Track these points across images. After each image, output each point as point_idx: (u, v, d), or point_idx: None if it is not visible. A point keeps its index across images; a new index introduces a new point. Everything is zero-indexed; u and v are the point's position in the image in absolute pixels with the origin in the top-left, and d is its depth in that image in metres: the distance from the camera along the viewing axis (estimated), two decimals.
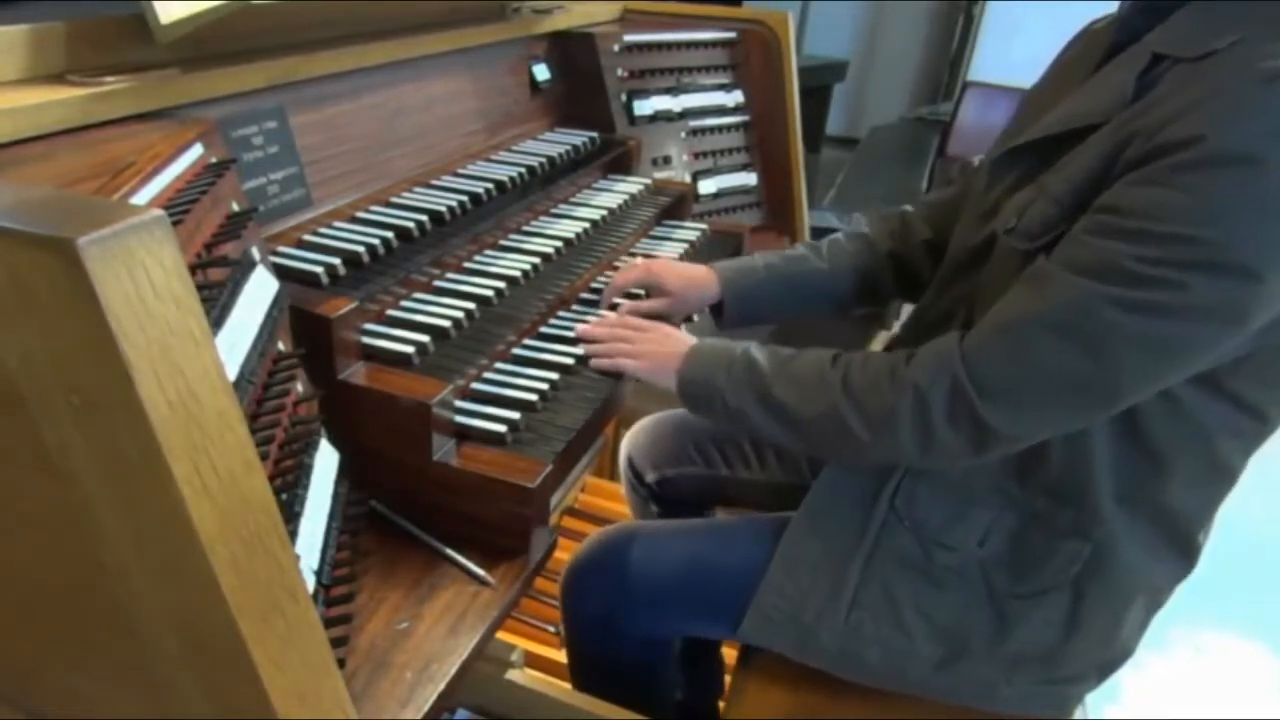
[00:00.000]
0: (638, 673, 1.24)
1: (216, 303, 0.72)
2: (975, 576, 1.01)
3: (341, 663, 0.69)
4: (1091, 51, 0.98)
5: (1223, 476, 0.95)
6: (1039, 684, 1.03)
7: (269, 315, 0.81)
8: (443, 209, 1.21)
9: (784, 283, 1.28)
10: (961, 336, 0.89)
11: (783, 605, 1.06)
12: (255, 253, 0.86)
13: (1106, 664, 1.05)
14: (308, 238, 1.10)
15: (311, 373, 0.90)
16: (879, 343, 2.20)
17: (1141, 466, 0.93)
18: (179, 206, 0.75)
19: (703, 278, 1.27)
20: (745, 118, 1.97)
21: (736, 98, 1.95)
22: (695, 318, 1.34)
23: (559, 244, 1.35)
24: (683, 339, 1.11)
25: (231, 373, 0.70)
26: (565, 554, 1.79)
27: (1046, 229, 0.87)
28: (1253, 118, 0.73)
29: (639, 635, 1.19)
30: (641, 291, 1.31)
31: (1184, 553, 0.99)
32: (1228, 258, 0.75)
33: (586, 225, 1.44)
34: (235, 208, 0.88)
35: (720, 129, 1.93)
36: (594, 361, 1.13)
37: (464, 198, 1.26)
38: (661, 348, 1.10)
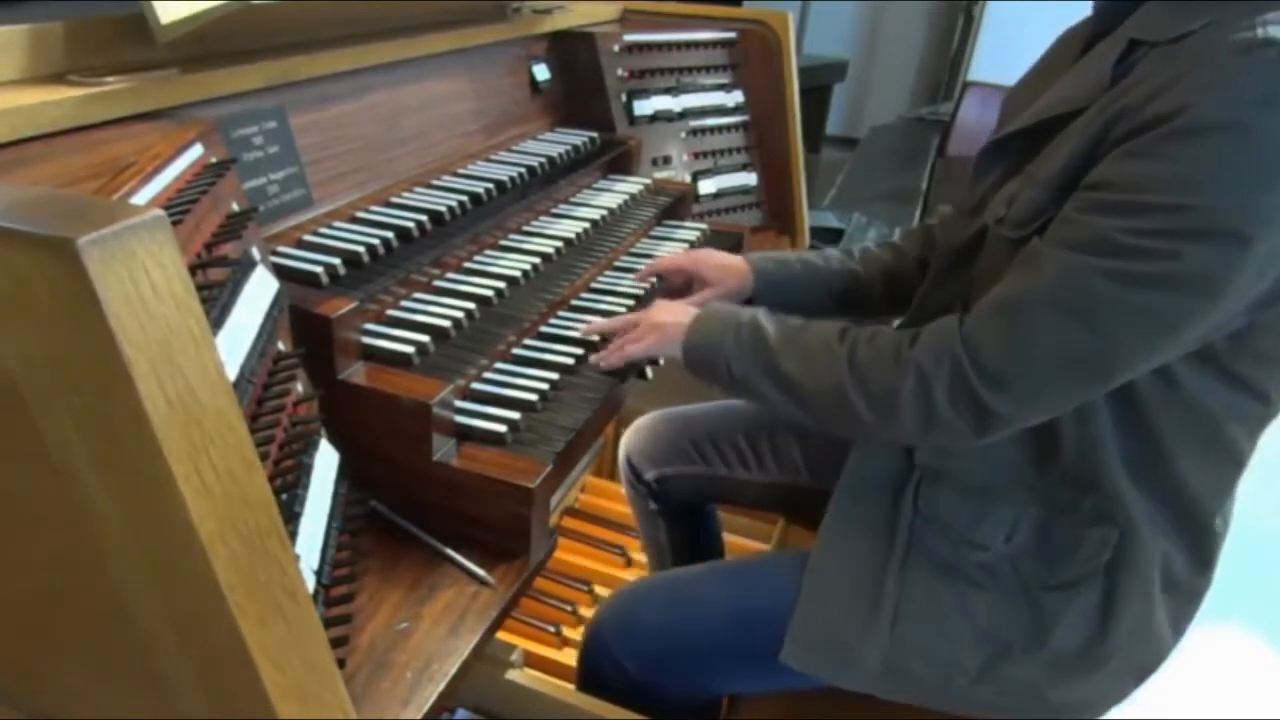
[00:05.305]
0: None
1: (216, 303, 0.72)
2: (1007, 573, 1.00)
3: (341, 663, 0.69)
4: (1070, 48, 1.00)
5: (1230, 459, 0.95)
6: (1081, 684, 1.01)
7: (269, 315, 0.81)
8: (443, 209, 1.21)
9: (817, 278, 1.27)
10: (962, 319, 0.89)
11: (823, 630, 1.03)
12: (255, 253, 0.86)
13: (1143, 666, 1.03)
14: (308, 238, 1.10)
15: (311, 373, 0.90)
16: None
17: (1148, 449, 0.93)
18: (179, 206, 0.75)
19: (740, 267, 1.27)
20: (745, 118, 1.97)
21: (736, 98, 1.95)
22: None
23: (559, 244, 1.34)
24: (687, 308, 1.09)
25: (231, 373, 0.70)
26: (566, 554, 1.81)
27: (1036, 215, 0.87)
28: (1232, 86, 0.75)
29: (681, 700, 1.13)
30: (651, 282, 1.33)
31: (1200, 540, 0.98)
32: (1217, 224, 0.76)
33: (586, 225, 1.43)
34: (235, 208, 0.88)
35: (720, 129, 1.93)
36: (604, 363, 1.12)
37: (464, 198, 1.26)
38: (666, 318, 1.09)
